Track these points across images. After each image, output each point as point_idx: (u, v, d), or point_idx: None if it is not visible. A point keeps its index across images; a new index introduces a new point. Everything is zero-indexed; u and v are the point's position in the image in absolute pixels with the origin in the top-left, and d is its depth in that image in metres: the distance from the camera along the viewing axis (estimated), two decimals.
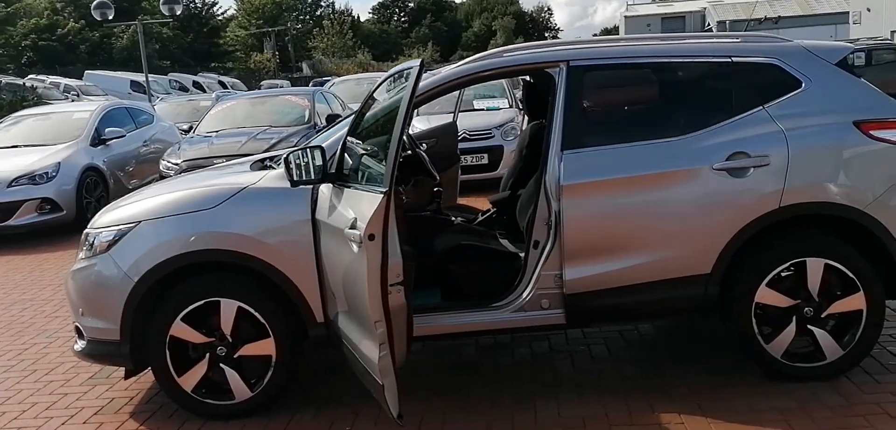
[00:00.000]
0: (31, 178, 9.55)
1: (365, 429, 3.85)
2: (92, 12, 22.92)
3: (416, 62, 3.42)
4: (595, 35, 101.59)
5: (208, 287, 3.94)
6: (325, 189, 3.82)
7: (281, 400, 4.07)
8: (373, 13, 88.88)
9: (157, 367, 3.99)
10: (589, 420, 3.79)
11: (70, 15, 48.47)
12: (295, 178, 3.66)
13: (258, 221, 3.88)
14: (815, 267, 3.91)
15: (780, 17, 61.58)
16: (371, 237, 2.98)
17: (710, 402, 3.87)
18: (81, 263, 4.13)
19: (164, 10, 22.66)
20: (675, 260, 3.91)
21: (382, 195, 3.01)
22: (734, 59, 4.08)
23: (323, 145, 3.75)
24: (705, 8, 70.01)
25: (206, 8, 52.45)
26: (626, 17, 74.62)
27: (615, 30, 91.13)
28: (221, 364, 3.97)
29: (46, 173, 9.63)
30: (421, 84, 4.12)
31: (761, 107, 3.96)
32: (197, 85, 37.15)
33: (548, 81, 4.13)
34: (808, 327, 3.95)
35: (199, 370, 3.98)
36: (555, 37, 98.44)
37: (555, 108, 4.01)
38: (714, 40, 4.43)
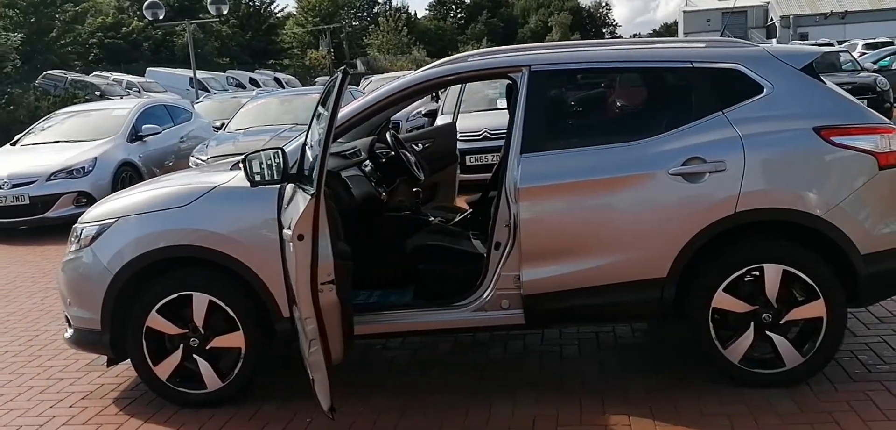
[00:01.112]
0: (69, 172, 10.00)
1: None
2: (144, 12, 23.67)
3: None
4: (654, 31, 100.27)
5: (181, 281, 4.14)
6: (290, 190, 3.98)
7: (249, 391, 4.25)
8: (429, 10, 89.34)
9: (134, 356, 4.21)
10: (539, 419, 3.87)
11: (134, 13, 49.97)
12: (253, 179, 3.82)
13: (227, 219, 4.06)
14: (772, 273, 3.90)
15: (846, 12, 59.60)
16: (300, 237, 3.13)
17: (663, 404, 3.91)
18: (69, 255, 4.38)
19: (211, 9, 23.28)
20: (630, 264, 3.95)
21: (310, 197, 3.15)
22: (695, 64, 4.10)
23: (283, 147, 3.91)
24: (768, 2, 68.30)
25: (264, 6, 53.53)
26: (685, 12, 73.39)
27: (675, 25, 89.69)
28: (194, 355, 4.17)
29: (83, 168, 10.07)
30: (392, 87, 4.32)
31: (720, 112, 3.97)
32: (253, 82, 38.02)
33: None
34: (767, 333, 3.96)
35: (174, 359, 4.19)
36: (613, 33, 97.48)
37: (516, 112, 4.10)
38: (678, 46, 4.44)
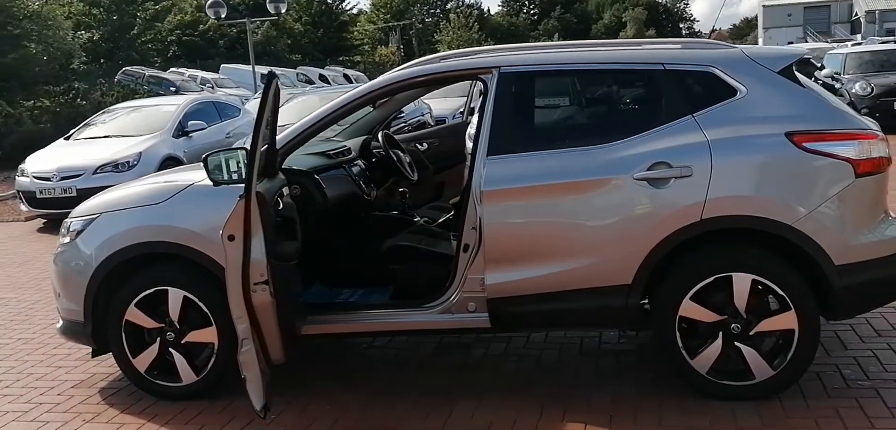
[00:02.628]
0: (115, 166, 10.40)
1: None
2: (206, 11, 24.36)
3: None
4: (734, 25, 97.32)
5: (157, 277, 4.27)
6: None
7: (222, 385, 4.34)
8: (502, 6, 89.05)
9: (114, 348, 4.36)
10: (496, 424, 3.85)
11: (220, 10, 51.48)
12: (212, 178, 3.91)
13: (198, 216, 4.16)
14: (741, 283, 3.78)
15: None
16: (230, 238, 3.19)
17: (623, 414, 3.84)
18: (59, 248, 4.57)
19: (270, 8, 23.77)
20: (594, 270, 3.88)
21: (240, 198, 3.21)
22: (667, 66, 3.98)
23: (246, 147, 3.98)
24: None
25: (336, 3, 54.33)
26: (765, 6, 71.05)
27: (755, 20, 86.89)
28: (170, 349, 4.30)
29: (128, 162, 10.46)
30: (364, 88, 4.36)
31: (690, 115, 3.85)
32: (323, 78, 38.71)
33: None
34: (736, 344, 3.83)
35: (151, 353, 4.32)
36: (690, 28, 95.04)
37: (484, 113, 4.07)
38: (651, 48, 4.33)
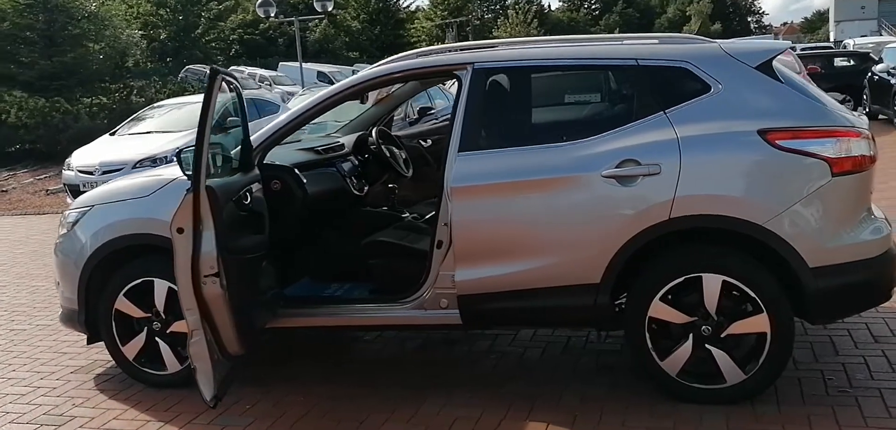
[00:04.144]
0: (153, 161, 10.71)
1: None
2: (256, 10, 24.85)
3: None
4: (805, 19, 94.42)
5: (144, 268, 4.40)
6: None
7: None
8: (563, 1, 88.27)
9: (105, 335, 4.52)
10: (460, 420, 3.85)
11: (277, 10, 52.51)
12: (186, 173, 4.00)
13: None
14: (711, 284, 3.69)
15: None
16: (179, 231, 3.27)
17: (589, 414, 3.79)
18: (58, 239, 4.75)
19: (317, 7, 24.11)
20: (562, 268, 3.84)
21: (188, 192, 3.29)
22: (640, 62, 3.91)
23: (222, 143, 4.07)
24: None
25: (393, 0, 54.78)
26: None
27: (827, 12, 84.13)
28: (156, 338, 4.43)
29: (166, 157, 10.75)
30: (341, 85, 4.40)
31: (662, 112, 3.78)
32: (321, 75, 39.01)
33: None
34: (707, 346, 3.74)
35: (139, 341, 4.46)
36: (758, 21, 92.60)
37: (457, 109, 4.07)
38: (627, 44, 4.25)
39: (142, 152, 10.85)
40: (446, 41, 57.05)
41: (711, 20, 78.46)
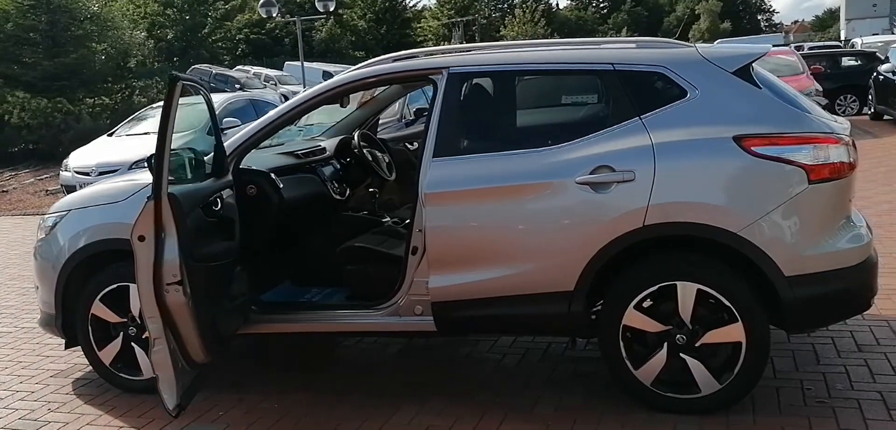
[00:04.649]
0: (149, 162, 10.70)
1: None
2: (258, 10, 24.87)
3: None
4: (816, 17, 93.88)
5: (119, 273, 4.37)
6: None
7: None
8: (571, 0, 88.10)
9: (82, 340, 4.49)
10: (432, 428, 3.81)
11: (280, 9, 52.63)
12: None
13: None
14: (686, 292, 3.64)
15: None
16: (140, 238, 3.24)
17: (561, 424, 3.74)
18: (36, 243, 4.73)
19: (319, 7, 24.10)
20: (537, 276, 3.79)
21: (148, 200, 3.26)
22: (617, 67, 3.85)
23: (194, 148, 4.04)
24: None
25: (400, 1, 54.81)
26: None
27: (838, 10, 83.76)
28: (132, 343, 4.41)
29: None
30: (314, 91, 4.36)
31: (638, 118, 3.72)
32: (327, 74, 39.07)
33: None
34: (682, 355, 3.69)
35: (115, 346, 4.44)
36: (769, 20, 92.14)
37: (432, 114, 4.02)
38: (603, 48, 4.19)
39: (139, 153, 10.81)
40: (452, 40, 57.08)
41: (721, 18, 78.18)
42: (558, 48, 4.22)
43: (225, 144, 4.24)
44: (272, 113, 4.39)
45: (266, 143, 5.33)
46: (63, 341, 5.04)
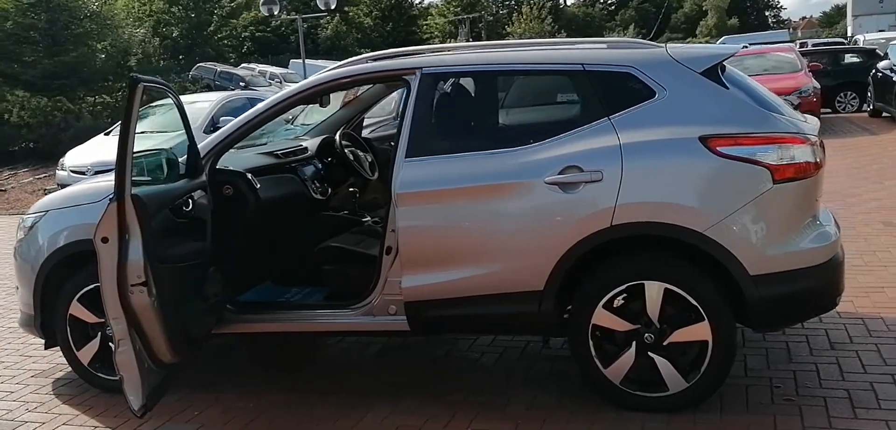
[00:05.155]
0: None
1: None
2: (261, 8, 24.93)
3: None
4: (824, 13, 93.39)
5: (96, 273, 4.40)
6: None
7: None
8: None
9: (60, 340, 4.54)
10: (402, 428, 3.83)
11: (284, 7, 52.73)
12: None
13: None
14: (653, 291, 3.65)
15: None
16: (104, 240, 3.27)
17: (530, 423, 3.76)
18: (17, 243, 4.78)
19: (320, 4, 24.13)
20: (507, 275, 3.81)
21: (111, 201, 3.30)
22: (587, 68, 3.86)
23: (172, 149, 4.08)
24: None
25: None
26: None
27: (845, 6, 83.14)
28: (110, 343, 4.43)
29: None
30: (287, 92, 4.39)
31: (607, 118, 3.73)
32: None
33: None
34: (649, 354, 3.70)
35: (94, 346, 4.48)
36: (776, 16, 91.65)
37: (404, 115, 4.04)
38: (574, 48, 4.21)
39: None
40: (458, 37, 57.08)
41: (728, 14, 77.78)
42: (530, 49, 4.23)
43: (199, 146, 4.26)
44: (248, 113, 4.42)
45: (250, 143, 5.41)
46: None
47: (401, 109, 4.13)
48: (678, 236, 3.59)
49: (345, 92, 5.94)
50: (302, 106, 5.50)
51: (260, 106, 4.40)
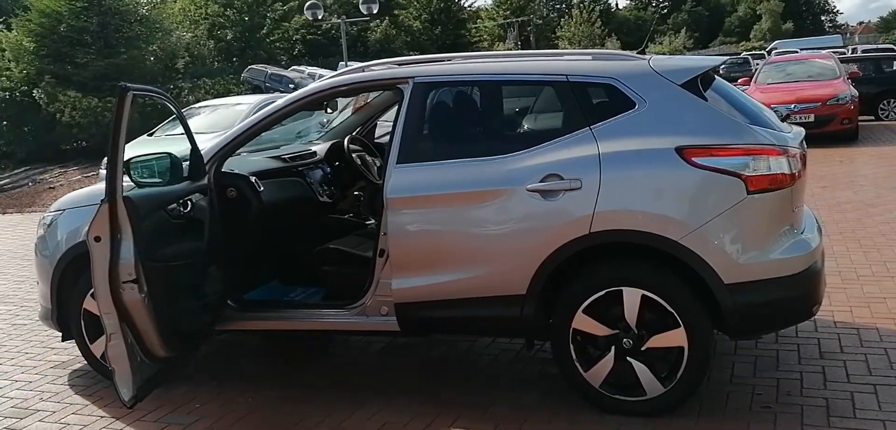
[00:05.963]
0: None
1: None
2: (305, 11, 25.32)
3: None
4: (881, 18, 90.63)
5: None
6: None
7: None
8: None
9: (75, 333, 4.78)
10: (386, 427, 3.96)
11: (334, 10, 53.42)
12: (134, 181, 4.21)
13: None
14: (631, 297, 3.72)
15: None
16: (96, 239, 3.48)
17: (510, 424, 3.85)
18: (37, 239, 5.05)
19: (362, 9, 24.41)
20: (491, 279, 3.92)
21: (103, 202, 3.50)
22: (570, 78, 3.96)
23: (171, 152, 4.28)
24: None
25: (455, 2, 54.85)
26: None
27: None
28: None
29: None
30: (289, 98, 4.56)
31: (588, 128, 3.82)
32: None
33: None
34: (628, 359, 3.77)
35: (104, 340, 4.70)
36: (832, 20, 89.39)
37: (396, 122, 4.18)
38: (560, 59, 4.28)
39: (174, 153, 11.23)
40: (507, 40, 57.06)
41: (783, 19, 76.14)
42: (518, 60, 4.34)
43: (203, 150, 4.47)
44: (252, 118, 4.61)
45: (262, 148, 5.62)
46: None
47: (394, 117, 4.25)
48: (654, 243, 3.65)
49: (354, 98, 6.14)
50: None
51: (262, 112, 4.59)
